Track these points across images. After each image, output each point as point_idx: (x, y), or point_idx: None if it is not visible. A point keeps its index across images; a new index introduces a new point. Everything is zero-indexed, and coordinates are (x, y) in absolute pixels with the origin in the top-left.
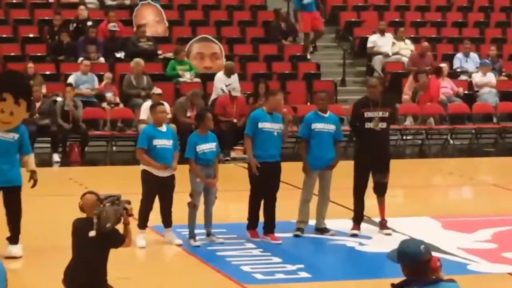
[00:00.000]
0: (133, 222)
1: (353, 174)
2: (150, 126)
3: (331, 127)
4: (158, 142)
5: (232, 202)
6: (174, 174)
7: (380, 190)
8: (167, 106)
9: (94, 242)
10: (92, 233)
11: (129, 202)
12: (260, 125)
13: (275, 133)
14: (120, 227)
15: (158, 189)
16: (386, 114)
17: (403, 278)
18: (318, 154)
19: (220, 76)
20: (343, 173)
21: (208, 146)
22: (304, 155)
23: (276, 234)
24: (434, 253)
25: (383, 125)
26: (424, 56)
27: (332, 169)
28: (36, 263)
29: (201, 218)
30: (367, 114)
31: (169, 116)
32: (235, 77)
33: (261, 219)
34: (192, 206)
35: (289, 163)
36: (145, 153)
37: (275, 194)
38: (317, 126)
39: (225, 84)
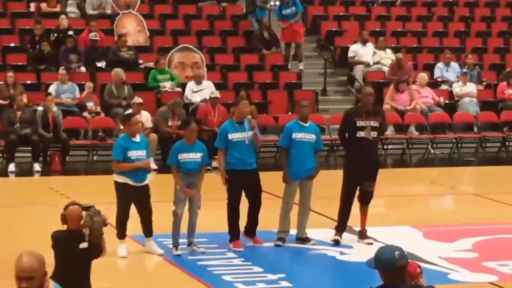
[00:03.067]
0: (111, 232)
1: (342, 183)
2: (124, 137)
3: (312, 137)
4: (133, 154)
5: (213, 211)
6: (147, 184)
7: (366, 199)
8: (147, 116)
9: (81, 254)
10: (83, 245)
11: (100, 212)
12: (230, 136)
13: (246, 141)
14: None
15: (133, 199)
16: (377, 124)
17: None
18: (298, 163)
19: (189, 84)
20: (324, 182)
21: (192, 156)
22: (284, 165)
23: None
24: (413, 261)
25: (374, 134)
26: (401, 67)
27: (312, 179)
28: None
29: (184, 227)
30: (359, 123)
31: (150, 125)
32: (207, 83)
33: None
34: (176, 215)
35: (269, 172)
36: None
37: (258, 199)
38: (298, 135)
39: (192, 90)
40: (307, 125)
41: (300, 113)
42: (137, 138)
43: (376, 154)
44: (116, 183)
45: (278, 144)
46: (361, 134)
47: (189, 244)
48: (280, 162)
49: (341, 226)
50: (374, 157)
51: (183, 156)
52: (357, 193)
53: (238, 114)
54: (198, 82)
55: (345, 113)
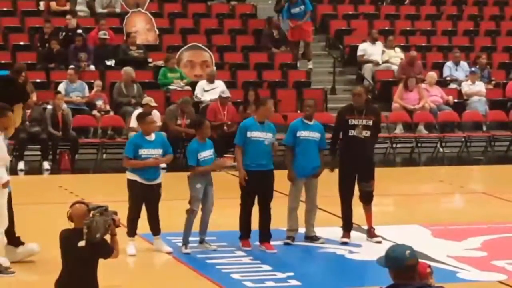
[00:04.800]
0: (122, 231)
1: (338, 181)
2: (137, 135)
3: (316, 135)
4: (144, 152)
5: (222, 210)
6: (160, 182)
7: (366, 199)
8: (157, 114)
9: (83, 253)
10: (81, 243)
11: (116, 213)
12: (249, 134)
13: (266, 142)
14: (107, 238)
15: (144, 197)
16: (370, 123)
17: None
18: (303, 162)
19: (201, 83)
20: (333, 180)
21: (208, 153)
22: (289, 163)
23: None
24: (423, 261)
25: (367, 133)
26: (412, 65)
27: (317, 177)
28: (25, 274)
29: (196, 226)
30: (351, 121)
31: (159, 124)
32: (219, 82)
33: (257, 227)
34: (191, 212)
35: (277, 171)
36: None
37: (267, 203)
38: (302, 133)
39: (204, 89)
40: (311, 123)
41: (304, 112)
42: (152, 137)
43: (368, 153)
44: (127, 180)
45: (282, 142)
46: (352, 132)
47: (201, 241)
48: (286, 160)
49: (347, 225)
50: (366, 156)
51: (203, 155)
52: (358, 193)
53: (262, 114)
54: (210, 81)
55: (338, 112)
